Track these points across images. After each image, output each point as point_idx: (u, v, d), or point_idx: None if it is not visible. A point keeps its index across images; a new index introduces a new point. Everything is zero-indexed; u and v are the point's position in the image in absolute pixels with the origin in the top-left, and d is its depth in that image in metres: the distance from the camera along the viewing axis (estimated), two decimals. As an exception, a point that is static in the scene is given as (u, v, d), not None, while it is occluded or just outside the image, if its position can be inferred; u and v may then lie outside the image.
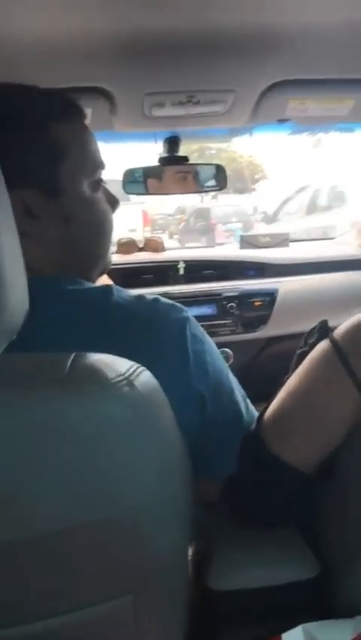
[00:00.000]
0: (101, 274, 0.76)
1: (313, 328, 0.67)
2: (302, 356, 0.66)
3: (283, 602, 0.64)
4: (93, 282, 0.72)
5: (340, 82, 1.04)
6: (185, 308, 0.64)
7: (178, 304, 0.64)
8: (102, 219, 0.71)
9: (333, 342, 0.61)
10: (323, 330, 0.64)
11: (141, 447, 0.45)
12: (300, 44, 0.89)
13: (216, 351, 0.67)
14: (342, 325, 0.63)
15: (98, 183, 0.70)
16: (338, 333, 0.62)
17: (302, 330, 0.71)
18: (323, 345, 0.62)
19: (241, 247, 2.05)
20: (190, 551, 0.76)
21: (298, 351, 0.68)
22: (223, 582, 0.64)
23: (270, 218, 9.13)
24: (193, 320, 0.64)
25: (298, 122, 1.18)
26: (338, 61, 0.97)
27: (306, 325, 0.71)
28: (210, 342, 0.66)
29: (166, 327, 0.61)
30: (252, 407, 0.71)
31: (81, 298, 0.63)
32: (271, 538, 0.69)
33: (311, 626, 0.59)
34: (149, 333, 0.60)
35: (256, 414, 0.68)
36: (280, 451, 0.61)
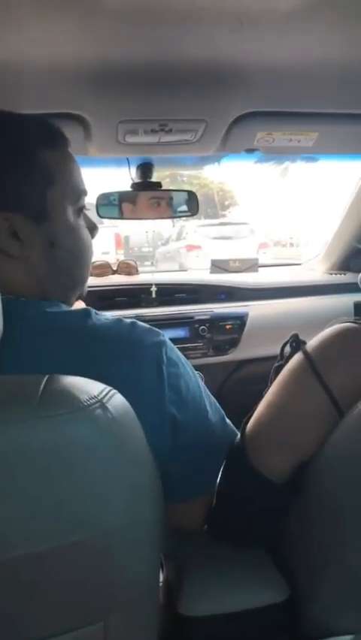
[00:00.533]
0: (78, 299, 0.76)
1: (287, 341, 0.70)
2: (279, 369, 0.69)
3: (253, 627, 0.64)
4: (70, 305, 0.73)
5: (306, 115, 1.08)
6: (161, 332, 0.65)
7: (155, 328, 0.64)
8: (85, 246, 0.72)
9: (306, 354, 0.64)
10: (296, 344, 0.67)
11: (112, 470, 0.45)
12: (269, 78, 0.92)
13: (193, 373, 0.68)
14: (315, 338, 0.66)
15: (81, 210, 0.71)
16: (310, 345, 0.66)
17: (271, 354, 0.73)
18: (297, 357, 0.65)
19: (212, 271, 2.08)
20: (161, 577, 0.75)
21: (276, 364, 0.71)
22: (194, 608, 0.64)
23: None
24: (170, 343, 0.64)
25: (265, 152, 1.21)
26: (305, 95, 1.01)
27: (275, 349, 0.73)
28: (187, 364, 0.67)
29: (143, 350, 0.61)
30: (232, 427, 0.71)
31: (60, 320, 0.63)
32: (241, 561, 0.69)
33: (281, 650, 0.59)
34: (126, 357, 0.60)
35: (237, 432, 0.68)
36: (257, 461, 0.63)
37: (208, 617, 0.63)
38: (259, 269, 2.11)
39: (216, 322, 1.66)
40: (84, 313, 0.63)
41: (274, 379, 0.68)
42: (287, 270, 2.33)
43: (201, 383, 0.69)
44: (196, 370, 1.68)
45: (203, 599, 0.64)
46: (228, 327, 1.67)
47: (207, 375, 1.65)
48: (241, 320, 1.69)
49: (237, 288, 1.80)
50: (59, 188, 0.67)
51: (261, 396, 0.69)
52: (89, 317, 0.63)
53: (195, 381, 0.67)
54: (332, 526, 0.61)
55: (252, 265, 2.12)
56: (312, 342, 0.66)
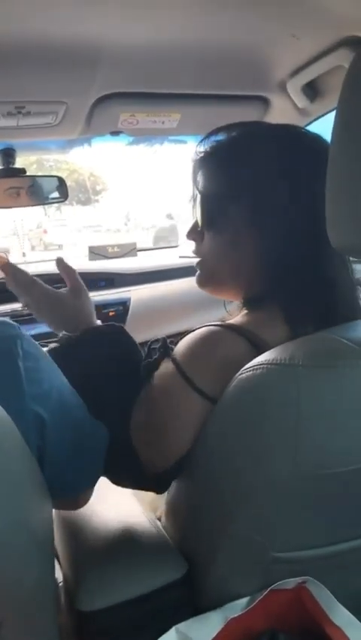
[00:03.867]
0: None
1: (155, 342, 0.72)
2: (149, 366, 0.71)
3: (156, 608, 0.65)
4: None
5: (168, 96, 1.08)
6: (17, 325, 0.61)
7: (9, 321, 0.60)
8: None
9: (174, 362, 0.67)
10: (165, 350, 0.70)
11: None
12: (128, 59, 0.91)
13: (54, 367, 0.64)
14: (181, 342, 0.69)
15: None
16: (178, 351, 0.68)
17: (154, 338, 0.74)
18: (167, 366, 0.68)
19: (90, 258, 2.04)
20: (60, 577, 0.73)
21: (144, 363, 0.72)
22: (93, 602, 0.62)
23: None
24: (27, 337, 0.61)
25: (130, 134, 1.20)
26: (165, 76, 1.01)
27: (158, 331, 0.73)
28: (47, 358, 0.64)
29: None
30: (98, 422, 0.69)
31: None
32: (137, 545, 0.70)
33: (184, 625, 0.60)
34: None
35: (104, 427, 0.68)
36: (145, 458, 0.66)
37: (109, 608, 0.62)
38: (138, 253, 2.11)
39: (98, 310, 1.63)
40: None
41: (146, 378, 0.71)
42: (165, 252, 2.35)
43: (64, 379, 0.66)
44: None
45: (101, 590, 0.63)
46: (111, 314, 1.65)
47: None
48: (123, 306, 1.68)
49: (117, 273, 1.78)
50: None
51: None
52: None
53: (59, 375, 0.64)
54: (215, 499, 0.64)
55: (131, 250, 2.11)
56: (179, 348, 0.68)
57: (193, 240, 0.78)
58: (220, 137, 0.73)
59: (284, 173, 0.67)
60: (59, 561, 0.75)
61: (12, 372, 0.57)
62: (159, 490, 0.73)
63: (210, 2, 0.77)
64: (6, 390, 0.56)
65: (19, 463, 0.49)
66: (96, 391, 0.70)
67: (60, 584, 0.73)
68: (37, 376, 0.60)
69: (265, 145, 0.70)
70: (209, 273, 0.77)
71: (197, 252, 0.78)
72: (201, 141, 0.75)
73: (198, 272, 0.79)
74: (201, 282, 0.79)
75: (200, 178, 0.74)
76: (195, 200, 0.75)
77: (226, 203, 0.71)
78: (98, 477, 0.69)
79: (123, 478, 0.72)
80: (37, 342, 0.62)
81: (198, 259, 0.79)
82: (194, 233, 0.77)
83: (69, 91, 0.98)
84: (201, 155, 0.74)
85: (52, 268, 1.81)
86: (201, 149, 0.74)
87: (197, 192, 0.75)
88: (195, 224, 0.77)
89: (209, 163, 0.73)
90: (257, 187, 0.69)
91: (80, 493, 0.69)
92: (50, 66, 0.88)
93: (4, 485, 0.44)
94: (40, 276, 1.63)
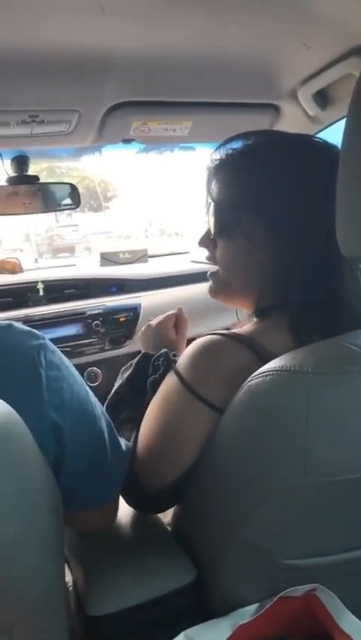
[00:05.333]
0: None
1: (159, 357, 0.74)
2: (154, 383, 0.72)
3: (165, 613, 0.65)
4: None
5: (179, 104, 1.10)
6: (41, 334, 0.61)
7: (34, 331, 0.61)
8: None
9: (178, 374, 0.68)
10: (167, 363, 0.72)
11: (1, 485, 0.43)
12: (140, 68, 0.92)
13: (78, 378, 0.64)
14: (184, 354, 0.69)
15: None
16: (180, 363, 0.69)
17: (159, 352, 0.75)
18: (171, 378, 0.69)
19: (102, 264, 2.05)
20: (70, 582, 0.73)
21: (150, 380, 0.74)
22: (103, 606, 0.63)
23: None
24: (50, 346, 0.61)
25: (142, 142, 1.22)
26: (178, 84, 1.02)
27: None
28: (70, 368, 0.64)
29: (18, 355, 0.58)
30: (119, 438, 0.70)
31: None
32: (147, 551, 0.70)
33: (192, 630, 0.60)
34: (1, 362, 0.57)
35: (122, 442, 0.69)
36: (148, 483, 0.69)
37: (119, 613, 0.62)
38: (149, 259, 2.12)
39: (109, 316, 1.64)
40: None
41: (152, 394, 0.72)
42: (176, 259, 2.36)
43: (89, 390, 0.66)
44: (93, 366, 1.64)
45: (111, 595, 0.64)
46: (122, 319, 1.66)
47: (105, 370, 1.63)
48: (134, 311, 1.68)
49: (128, 279, 1.79)
50: None
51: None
52: None
53: (82, 386, 0.64)
54: (224, 506, 0.64)
55: (142, 256, 2.12)
56: (182, 360, 0.69)
57: (206, 247, 0.78)
58: (235, 145, 0.74)
59: (297, 183, 0.68)
60: (69, 565, 0.75)
61: (33, 381, 0.57)
62: (156, 511, 0.75)
63: (222, 12, 0.78)
64: (26, 399, 0.56)
65: (33, 470, 0.50)
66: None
67: (70, 588, 0.73)
68: (58, 385, 0.59)
69: (278, 154, 0.71)
70: (221, 284, 0.78)
71: (210, 259, 0.79)
72: (215, 149, 0.75)
73: (211, 282, 0.79)
74: (214, 293, 0.79)
75: (214, 186, 0.74)
76: (208, 207, 0.76)
77: (240, 212, 0.71)
78: (118, 492, 0.69)
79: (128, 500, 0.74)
80: (60, 352, 0.62)
81: (210, 269, 0.79)
82: (207, 241, 0.77)
83: (82, 100, 0.99)
84: (216, 162, 0.74)
85: (63, 274, 1.83)
86: (216, 157, 0.75)
87: (210, 200, 0.75)
88: (208, 232, 0.77)
89: (223, 171, 0.73)
90: (271, 196, 0.69)
91: (101, 507, 0.68)
92: (64, 76, 0.89)
93: (18, 492, 0.45)
94: (51, 281, 1.66)
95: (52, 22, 0.73)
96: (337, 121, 1.12)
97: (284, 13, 0.79)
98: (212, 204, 0.75)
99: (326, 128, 1.15)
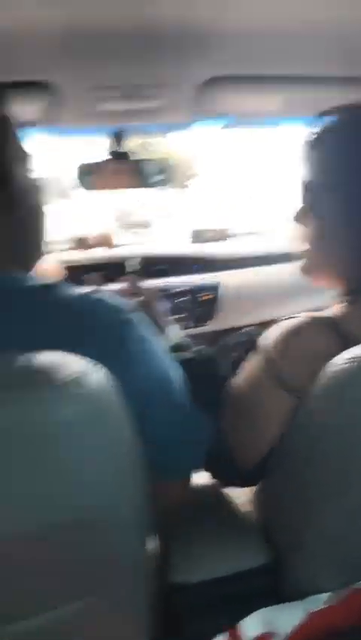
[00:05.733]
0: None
1: (242, 336, 0.73)
2: (237, 363, 0.74)
3: (241, 590, 0.66)
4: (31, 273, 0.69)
5: (272, 78, 1.07)
6: (129, 309, 0.62)
7: (122, 305, 0.62)
8: (41, 205, 0.69)
9: (260, 356, 0.69)
10: (251, 345, 0.72)
11: (93, 447, 0.45)
12: (235, 42, 0.90)
13: (162, 352, 0.66)
14: (270, 335, 0.70)
15: (31, 170, 0.68)
16: (265, 344, 0.69)
17: (246, 323, 0.76)
18: (256, 360, 0.70)
19: (194, 241, 2.07)
20: (150, 549, 0.76)
21: (232, 360, 0.76)
22: (184, 575, 0.65)
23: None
24: (137, 320, 0.62)
25: (235, 116, 1.20)
26: (273, 58, 1.00)
27: (247, 318, 0.75)
28: (156, 343, 0.65)
29: (106, 327, 0.59)
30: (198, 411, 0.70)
31: (26, 294, 0.60)
32: (227, 530, 0.71)
33: (267, 611, 0.61)
34: (89, 333, 0.58)
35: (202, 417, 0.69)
36: (238, 457, 0.71)
37: (198, 584, 0.64)
38: (228, 238, 2.12)
39: (194, 293, 1.66)
40: (50, 287, 0.60)
41: (234, 373, 0.73)
42: (255, 239, 2.33)
43: (173, 364, 0.67)
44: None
45: (192, 566, 0.66)
46: (205, 298, 1.67)
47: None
48: (215, 290, 1.69)
49: (210, 258, 1.79)
50: (15, 148, 0.64)
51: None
52: (54, 290, 0.60)
53: (166, 360, 0.65)
54: (303, 492, 0.64)
55: (223, 235, 2.12)
56: (264, 342, 0.69)
57: (302, 223, 0.76)
58: (331, 121, 0.71)
59: None
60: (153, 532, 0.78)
61: (120, 354, 0.59)
62: (246, 485, 0.76)
63: None
64: (112, 371, 0.56)
65: (123, 438, 0.51)
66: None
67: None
68: (144, 357, 0.62)
69: None
70: (313, 261, 0.76)
71: (303, 237, 0.77)
72: (313, 124, 0.73)
73: (304, 260, 0.77)
74: (306, 270, 0.78)
75: (310, 162, 0.72)
76: (304, 184, 0.74)
77: (335, 188, 0.69)
78: (200, 463, 0.71)
79: (217, 474, 0.75)
80: (146, 327, 0.64)
81: (303, 248, 0.78)
82: (303, 217, 0.76)
83: (177, 75, 0.99)
84: (313, 138, 0.72)
85: (145, 250, 1.85)
86: (313, 132, 0.72)
87: (306, 176, 0.73)
88: (304, 208, 0.75)
89: (319, 148, 0.71)
90: None
91: (184, 478, 0.70)
92: (160, 51, 0.89)
93: (112, 457, 0.47)
94: (133, 258, 1.68)
95: None
96: None
97: None
98: (307, 180, 0.73)
99: None
